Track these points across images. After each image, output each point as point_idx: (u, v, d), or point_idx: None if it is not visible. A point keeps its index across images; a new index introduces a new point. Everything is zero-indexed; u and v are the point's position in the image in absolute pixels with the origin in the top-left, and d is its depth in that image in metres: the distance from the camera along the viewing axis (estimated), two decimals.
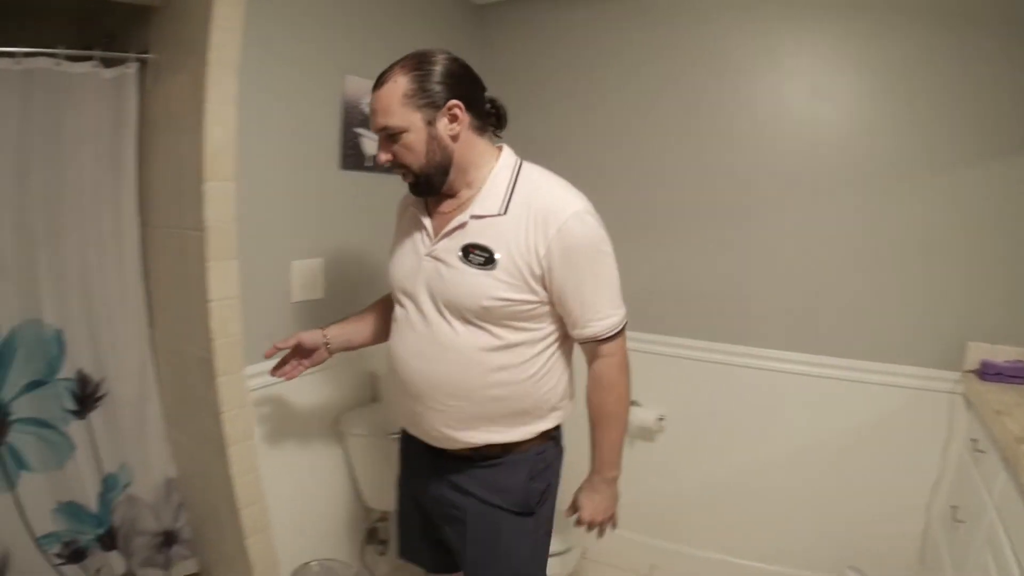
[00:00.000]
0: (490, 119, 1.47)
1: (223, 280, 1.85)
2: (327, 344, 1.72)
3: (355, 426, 2.30)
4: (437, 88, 1.33)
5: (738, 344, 2.53)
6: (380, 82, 1.36)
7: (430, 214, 1.49)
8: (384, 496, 2.29)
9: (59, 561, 1.88)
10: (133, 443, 2.07)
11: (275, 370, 1.73)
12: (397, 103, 1.33)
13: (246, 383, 1.94)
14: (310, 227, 2.18)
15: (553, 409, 1.50)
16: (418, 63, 1.34)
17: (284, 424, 2.14)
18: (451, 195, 1.46)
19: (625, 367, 1.47)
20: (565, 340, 1.49)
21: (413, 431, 1.55)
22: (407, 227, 1.55)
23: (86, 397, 1.97)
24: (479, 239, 1.37)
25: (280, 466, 2.12)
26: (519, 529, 1.50)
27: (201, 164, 1.78)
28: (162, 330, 2.09)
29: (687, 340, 2.62)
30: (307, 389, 2.19)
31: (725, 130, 2.45)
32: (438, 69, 1.34)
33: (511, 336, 1.39)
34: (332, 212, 2.25)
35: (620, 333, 1.44)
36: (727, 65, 2.43)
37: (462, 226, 1.39)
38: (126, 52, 1.95)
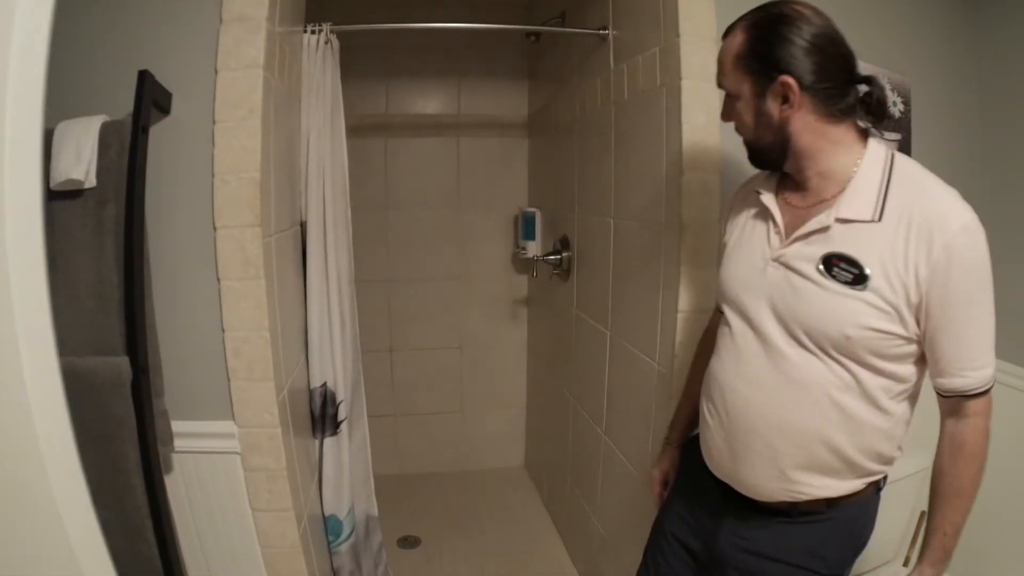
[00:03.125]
0: (858, 107, 1.22)
1: (693, 290, 1.73)
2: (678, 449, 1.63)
3: None
4: (775, 57, 1.15)
5: None
6: (725, 33, 1.24)
7: (780, 205, 1.29)
8: None
9: None
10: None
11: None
12: (730, 62, 1.21)
13: None
14: None
15: (886, 462, 1.27)
16: (763, 20, 1.18)
17: None
18: (801, 182, 1.26)
19: (989, 432, 1.21)
20: (916, 389, 1.25)
21: (721, 472, 1.35)
22: (747, 220, 1.36)
23: (325, 416, 2.11)
24: (846, 249, 1.15)
25: None
26: None
27: (680, 152, 1.69)
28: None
29: None
30: None
31: None
32: (784, 32, 1.15)
33: (869, 379, 1.17)
34: None
35: (991, 390, 1.19)
36: None
37: (824, 230, 1.18)
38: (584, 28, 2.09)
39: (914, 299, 1.11)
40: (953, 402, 1.20)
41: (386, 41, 3.17)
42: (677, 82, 1.68)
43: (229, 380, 1.62)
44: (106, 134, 1.41)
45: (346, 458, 2.16)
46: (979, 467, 1.20)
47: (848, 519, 1.28)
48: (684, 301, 1.72)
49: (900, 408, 1.22)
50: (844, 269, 1.14)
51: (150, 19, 1.55)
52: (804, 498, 1.25)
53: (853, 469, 1.23)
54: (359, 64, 3.13)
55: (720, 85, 1.26)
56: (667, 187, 1.77)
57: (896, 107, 1.99)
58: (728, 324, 1.33)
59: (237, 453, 1.66)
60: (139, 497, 1.46)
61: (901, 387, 1.20)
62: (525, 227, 3.23)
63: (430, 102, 3.45)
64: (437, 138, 3.43)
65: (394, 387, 3.59)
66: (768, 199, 1.29)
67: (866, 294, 1.12)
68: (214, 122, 1.53)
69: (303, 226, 2.05)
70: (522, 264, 3.47)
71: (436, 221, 3.49)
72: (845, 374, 1.17)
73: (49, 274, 1.42)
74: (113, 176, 1.41)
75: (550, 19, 2.76)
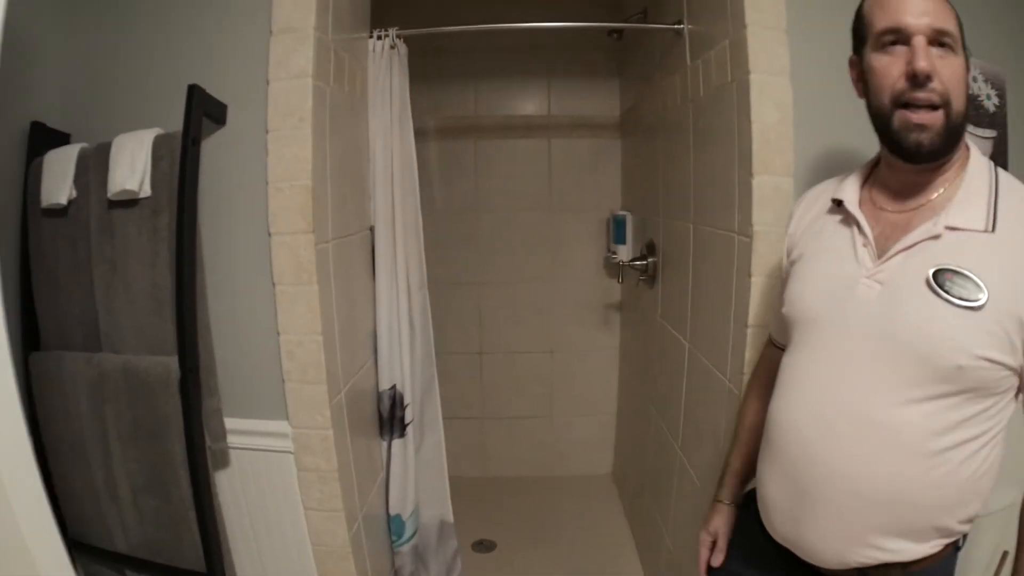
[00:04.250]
0: None
1: (764, 304, 1.63)
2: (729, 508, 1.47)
3: None
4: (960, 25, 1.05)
5: None
6: None
7: (866, 212, 1.16)
8: None
9: None
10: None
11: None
12: (950, 14, 1.05)
13: None
14: None
15: (971, 519, 1.11)
16: None
17: None
18: (908, 185, 1.13)
19: None
20: (1007, 427, 1.10)
21: (780, 534, 1.19)
22: (823, 231, 1.23)
23: (393, 419, 2.17)
24: (958, 262, 1.01)
25: None
26: None
27: (750, 152, 1.62)
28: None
29: None
30: None
31: None
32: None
33: (971, 421, 1.02)
34: None
35: None
36: None
37: (934, 238, 1.04)
38: (661, 23, 2.08)
39: None
40: None
41: (472, 42, 3.21)
42: (746, 77, 1.60)
43: (284, 382, 1.69)
44: (159, 146, 1.52)
45: (412, 460, 2.21)
46: None
47: None
48: (754, 315, 1.64)
49: (993, 455, 1.06)
50: (958, 284, 0.99)
51: (202, 33, 1.65)
52: (875, 562, 1.08)
53: (939, 530, 1.07)
54: (448, 66, 3.21)
55: (942, 31, 1.03)
56: (739, 191, 1.70)
57: (990, 101, 1.81)
58: (796, 355, 1.18)
59: (291, 452, 1.73)
60: (184, 489, 1.56)
61: (996, 425, 1.04)
62: (616, 230, 3.20)
63: (520, 103, 3.47)
64: (528, 139, 3.46)
65: (483, 390, 3.64)
66: (852, 206, 1.16)
67: (982, 316, 0.97)
68: (267, 131, 1.60)
69: (372, 230, 2.12)
70: (614, 268, 3.42)
71: (527, 224, 3.51)
72: (948, 416, 1.01)
73: (109, 277, 1.56)
74: (166, 186, 1.52)
75: (633, 15, 2.73)
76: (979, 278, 0.98)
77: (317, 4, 1.59)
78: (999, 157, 1.84)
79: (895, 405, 1.02)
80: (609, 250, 3.34)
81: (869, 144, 1.63)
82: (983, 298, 0.97)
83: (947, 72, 1.02)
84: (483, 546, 2.96)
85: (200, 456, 1.55)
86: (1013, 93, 1.85)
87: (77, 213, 1.60)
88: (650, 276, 2.78)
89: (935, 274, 1.00)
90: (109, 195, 1.52)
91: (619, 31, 2.96)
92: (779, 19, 1.59)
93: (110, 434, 1.60)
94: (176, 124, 1.50)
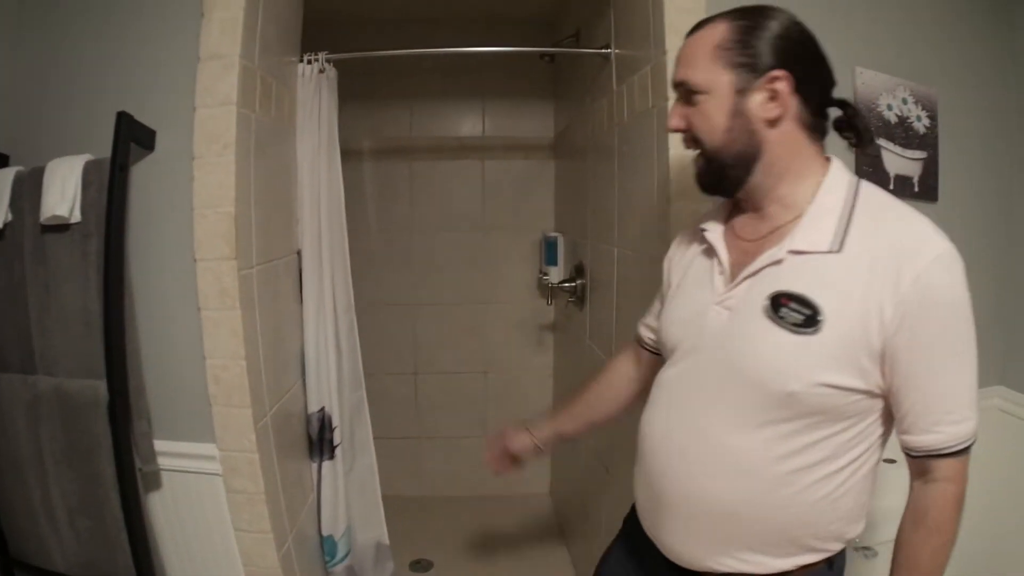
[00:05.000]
0: (832, 124, 1.16)
1: None
2: (538, 446, 1.59)
3: None
4: (764, 49, 1.05)
5: None
6: (697, 26, 1.13)
7: (727, 240, 1.19)
8: None
9: None
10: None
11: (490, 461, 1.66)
12: (706, 53, 1.08)
13: None
14: None
15: (838, 539, 1.11)
16: (750, 14, 1.08)
17: None
18: (756, 210, 1.16)
19: (962, 501, 1.04)
20: (880, 447, 1.11)
21: (645, 526, 1.25)
22: (692, 260, 1.26)
23: (323, 441, 2.20)
24: (796, 286, 1.02)
25: None
26: None
27: (667, 178, 1.67)
28: None
29: None
30: None
31: None
32: (774, 26, 1.06)
33: (812, 438, 1.03)
34: None
35: (968, 449, 1.03)
36: None
37: (776, 263, 1.06)
38: (590, 48, 2.08)
39: (877, 344, 0.98)
40: (920, 463, 1.05)
41: (408, 64, 3.27)
42: (664, 104, 1.64)
43: (211, 405, 1.72)
44: (89, 172, 1.56)
45: (341, 482, 2.24)
46: (943, 543, 1.04)
47: None
48: None
49: (859, 475, 1.08)
50: (794, 310, 1.00)
51: (135, 58, 1.69)
52: (736, 572, 1.11)
53: (798, 545, 1.09)
54: (383, 87, 3.27)
55: (679, 83, 1.13)
56: (657, 217, 1.75)
57: (920, 122, 1.90)
58: (666, 373, 1.22)
59: (220, 475, 1.76)
60: (115, 510, 1.59)
61: (854, 447, 1.05)
62: (548, 252, 3.28)
63: (455, 124, 3.55)
64: (462, 160, 3.53)
65: (419, 410, 3.68)
66: (714, 235, 1.19)
67: (817, 339, 0.98)
68: (193, 158, 1.64)
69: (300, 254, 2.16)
70: (546, 290, 3.51)
71: (461, 245, 3.58)
72: (792, 441, 1.03)
73: (44, 300, 1.58)
74: (96, 211, 1.55)
75: (566, 37, 2.81)
76: (819, 301, 0.99)
77: (244, 31, 1.63)
78: (929, 178, 1.92)
79: (738, 429, 1.06)
80: (541, 271, 3.42)
81: None
82: (821, 321, 0.98)
83: (696, 120, 1.11)
84: (420, 566, 2.99)
85: (130, 478, 1.59)
86: (945, 114, 1.93)
87: (13, 236, 1.63)
88: (579, 298, 2.85)
89: (772, 299, 1.03)
90: (41, 220, 1.55)
91: (551, 55, 3.05)
92: None
93: (46, 455, 1.62)
94: (107, 150, 1.54)
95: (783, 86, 1.04)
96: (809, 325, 0.98)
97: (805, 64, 1.07)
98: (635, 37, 1.86)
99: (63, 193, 1.53)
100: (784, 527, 1.07)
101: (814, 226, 1.05)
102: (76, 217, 1.55)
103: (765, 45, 1.05)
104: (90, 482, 1.60)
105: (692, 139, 1.14)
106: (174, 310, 1.71)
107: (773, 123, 1.07)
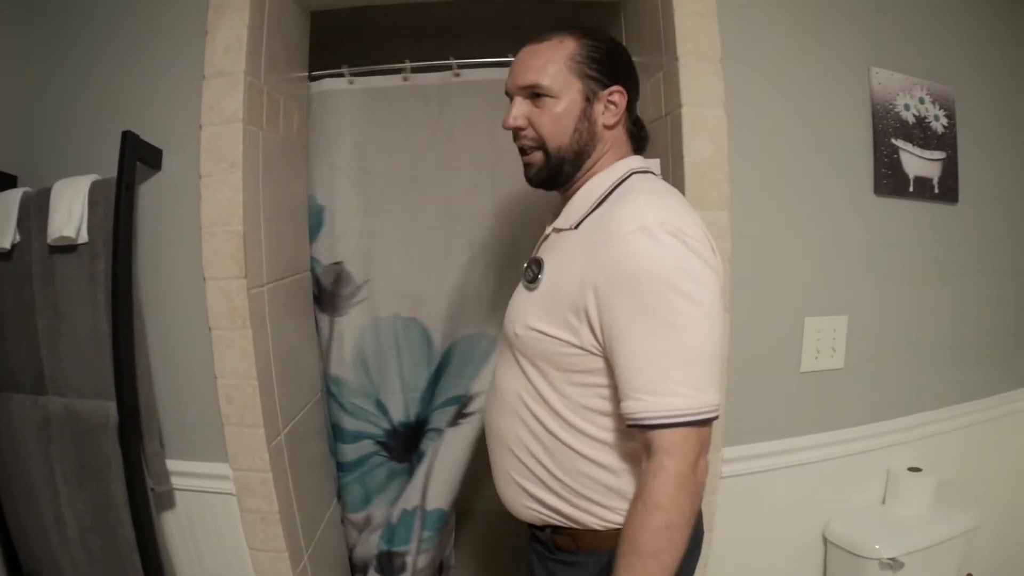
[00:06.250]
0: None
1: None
2: None
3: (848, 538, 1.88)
4: (607, 67, 1.22)
5: None
6: (539, 39, 1.24)
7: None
8: None
9: None
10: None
11: None
12: (559, 62, 1.20)
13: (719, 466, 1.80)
14: (830, 272, 1.86)
15: (625, 497, 1.16)
16: (591, 34, 1.24)
17: (750, 523, 1.90)
18: (567, 200, 1.30)
19: (688, 482, 1.04)
20: (611, 409, 1.19)
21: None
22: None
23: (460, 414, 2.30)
24: (543, 254, 1.25)
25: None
26: None
27: (682, 186, 1.65)
28: None
29: None
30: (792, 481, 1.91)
31: None
32: (608, 49, 1.24)
33: (552, 390, 1.18)
34: (861, 253, 1.88)
35: (693, 426, 1.04)
36: None
37: (545, 238, 1.30)
38: None
39: (580, 304, 1.11)
40: (643, 436, 1.07)
41: None
42: (678, 110, 1.65)
43: (223, 425, 1.73)
44: (95, 192, 1.58)
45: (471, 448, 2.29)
46: (665, 524, 1.03)
47: (596, 567, 1.20)
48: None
49: (616, 431, 1.16)
50: (529, 269, 1.24)
51: (141, 76, 1.71)
52: (540, 522, 1.29)
53: (569, 491, 1.21)
54: None
55: (529, 85, 1.22)
56: None
57: (938, 122, 1.90)
58: None
59: (234, 495, 1.77)
60: (127, 530, 1.60)
61: (600, 408, 1.16)
62: None
63: None
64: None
65: None
66: (547, 226, 1.33)
67: (535, 294, 1.20)
68: (200, 176, 1.65)
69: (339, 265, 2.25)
70: None
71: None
72: (530, 380, 1.22)
73: (53, 321, 1.60)
74: (103, 232, 1.57)
75: None
76: (547, 265, 1.21)
77: (248, 48, 1.65)
78: (949, 179, 1.92)
79: (507, 371, 1.29)
80: None
81: (819, 172, 1.77)
82: (541, 279, 1.20)
83: (542, 120, 1.23)
84: None
85: (141, 498, 1.60)
86: (963, 114, 1.92)
87: (21, 257, 1.65)
88: None
89: (526, 264, 1.27)
90: (48, 241, 1.57)
91: None
92: (713, 49, 1.65)
93: (57, 475, 1.64)
94: (115, 169, 1.56)
95: (619, 98, 1.23)
96: (533, 281, 1.22)
97: (631, 80, 1.27)
98: (646, 44, 1.85)
99: (70, 214, 1.55)
100: (543, 458, 1.23)
101: (574, 209, 1.24)
102: (83, 238, 1.57)
103: (608, 64, 1.23)
104: (101, 502, 1.62)
105: (531, 137, 1.26)
106: (185, 330, 1.72)
107: (611, 127, 1.25)
